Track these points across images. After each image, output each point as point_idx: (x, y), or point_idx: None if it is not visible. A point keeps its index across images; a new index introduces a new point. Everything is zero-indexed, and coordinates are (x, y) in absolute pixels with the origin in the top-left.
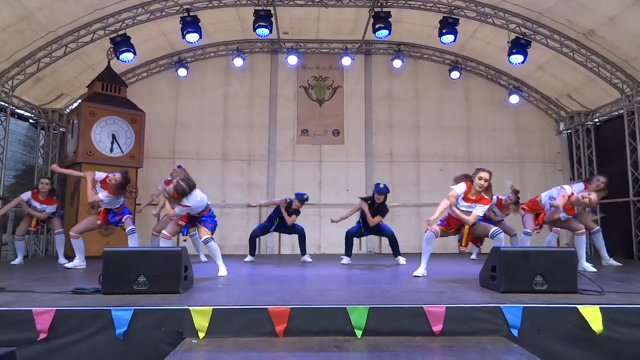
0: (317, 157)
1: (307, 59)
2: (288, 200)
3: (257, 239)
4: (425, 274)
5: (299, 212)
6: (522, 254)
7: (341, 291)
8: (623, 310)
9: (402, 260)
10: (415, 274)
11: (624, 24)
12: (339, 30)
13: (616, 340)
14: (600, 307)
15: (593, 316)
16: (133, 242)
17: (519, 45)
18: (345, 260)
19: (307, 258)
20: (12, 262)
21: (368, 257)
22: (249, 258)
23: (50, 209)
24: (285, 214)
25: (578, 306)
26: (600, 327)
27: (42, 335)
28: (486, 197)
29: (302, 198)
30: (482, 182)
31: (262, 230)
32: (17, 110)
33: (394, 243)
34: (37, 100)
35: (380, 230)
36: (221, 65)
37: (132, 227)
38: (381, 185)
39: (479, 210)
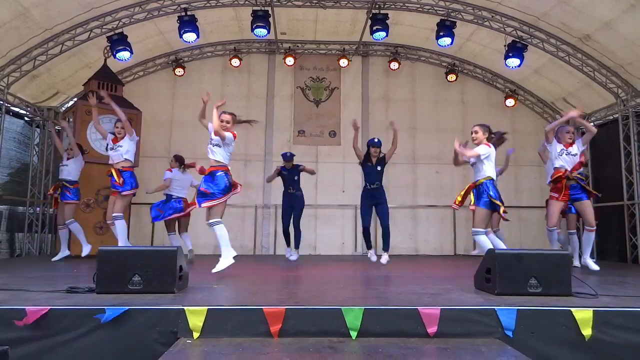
0: (313, 158)
1: (305, 59)
2: (278, 168)
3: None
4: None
5: (297, 169)
6: (517, 257)
7: (336, 292)
8: (616, 313)
9: (385, 258)
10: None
11: (619, 29)
12: (337, 32)
13: (609, 343)
14: (593, 310)
15: (585, 320)
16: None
17: (516, 49)
18: (372, 254)
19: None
20: (54, 259)
21: (363, 258)
22: (289, 253)
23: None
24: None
25: (572, 309)
26: (590, 332)
27: (25, 323)
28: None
29: (284, 156)
30: (473, 134)
31: (287, 216)
32: (12, 108)
33: (387, 235)
34: (32, 98)
35: (380, 203)
36: (218, 65)
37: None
38: (375, 139)
39: (480, 149)
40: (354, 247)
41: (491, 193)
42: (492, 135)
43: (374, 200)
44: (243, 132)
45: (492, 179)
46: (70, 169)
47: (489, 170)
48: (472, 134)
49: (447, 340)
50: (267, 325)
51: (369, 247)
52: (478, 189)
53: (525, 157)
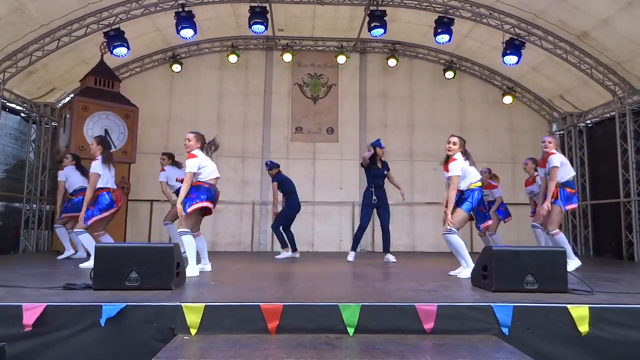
0: (311, 155)
1: (302, 56)
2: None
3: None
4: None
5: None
6: (514, 254)
7: (334, 289)
8: (612, 310)
9: (392, 257)
10: (461, 275)
11: (616, 27)
12: (335, 28)
13: (605, 339)
14: (589, 307)
15: (581, 316)
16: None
17: (513, 46)
18: (351, 256)
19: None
20: (59, 257)
21: (360, 256)
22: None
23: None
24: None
25: (568, 306)
26: (587, 328)
27: (27, 328)
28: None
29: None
30: (450, 145)
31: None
32: (8, 104)
33: (387, 237)
34: (28, 94)
35: (383, 206)
36: (216, 61)
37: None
38: (380, 141)
39: (455, 170)
40: (351, 243)
41: (473, 203)
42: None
43: (377, 202)
44: (240, 129)
45: (480, 187)
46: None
47: (473, 177)
48: (449, 144)
49: (443, 336)
50: (265, 322)
51: (354, 248)
52: (462, 193)
53: (522, 154)
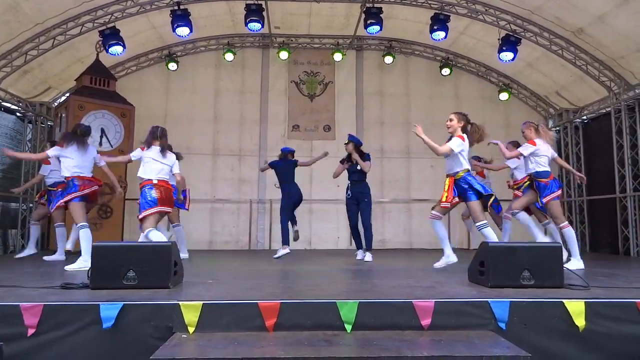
0: (308, 153)
1: (299, 54)
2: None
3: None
4: (451, 261)
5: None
6: (510, 250)
7: (331, 286)
8: (608, 305)
9: (368, 256)
10: (436, 265)
11: (612, 23)
12: (331, 26)
13: (601, 334)
14: (585, 302)
15: (577, 311)
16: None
17: (509, 43)
18: (360, 254)
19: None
20: (46, 258)
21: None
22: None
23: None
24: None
25: (564, 300)
26: (583, 323)
27: (31, 331)
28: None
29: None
30: (447, 122)
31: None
32: (3, 103)
33: (368, 234)
34: (24, 93)
35: (363, 200)
36: (212, 59)
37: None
38: (348, 135)
39: (453, 142)
40: (349, 241)
41: (477, 187)
42: (470, 125)
43: (354, 197)
44: (237, 127)
45: (469, 171)
46: None
47: (464, 163)
48: (447, 121)
49: (440, 332)
50: (262, 319)
51: (358, 246)
52: (457, 184)
53: None
